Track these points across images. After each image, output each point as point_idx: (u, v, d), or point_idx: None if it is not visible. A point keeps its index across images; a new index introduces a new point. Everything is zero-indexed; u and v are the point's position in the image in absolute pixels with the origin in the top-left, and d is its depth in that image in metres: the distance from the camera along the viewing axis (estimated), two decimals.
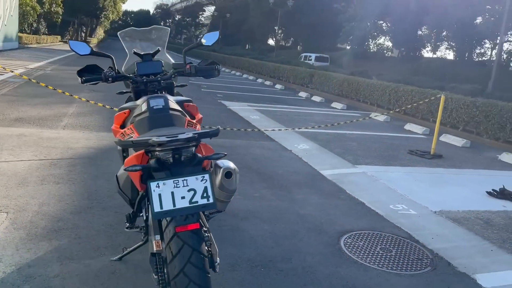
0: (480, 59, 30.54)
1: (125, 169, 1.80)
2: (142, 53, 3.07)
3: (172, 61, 3.25)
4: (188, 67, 2.94)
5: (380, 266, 3.10)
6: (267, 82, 20.75)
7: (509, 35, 26.42)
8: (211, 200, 1.75)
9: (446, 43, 31.87)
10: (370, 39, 37.99)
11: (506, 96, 12.99)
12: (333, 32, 39.03)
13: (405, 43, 32.73)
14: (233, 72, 27.16)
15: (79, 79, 2.84)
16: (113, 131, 3.01)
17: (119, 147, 3.09)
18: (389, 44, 38.44)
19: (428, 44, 33.28)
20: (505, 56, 26.13)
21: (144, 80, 2.93)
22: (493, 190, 5.09)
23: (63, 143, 5.44)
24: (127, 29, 3.27)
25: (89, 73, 2.99)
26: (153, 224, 1.96)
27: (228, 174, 1.83)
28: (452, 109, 9.94)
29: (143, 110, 2.64)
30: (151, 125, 2.54)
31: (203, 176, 1.76)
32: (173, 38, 74.77)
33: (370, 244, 3.44)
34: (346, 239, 3.48)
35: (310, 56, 32.39)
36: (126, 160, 2.06)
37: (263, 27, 46.55)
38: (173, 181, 1.72)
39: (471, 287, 2.94)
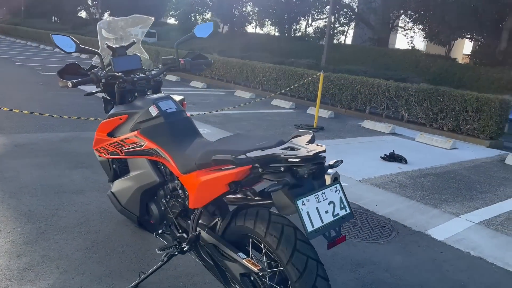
0: (296, 34, 33.91)
1: (271, 190, 1.59)
2: (115, 46, 2.65)
3: (147, 55, 2.87)
4: (182, 62, 2.67)
5: (361, 239, 3.42)
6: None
7: (320, 14, 29.99)
8: (348, 210, 1.72)
9: (268, 20, 34.30)
10: (196, 14, 38.28)
11: (338, 69, 14.94)
12: (156, 6, 38.06)
13: (231, 18, 34.09)
14: (41, 46, 24.88)
15: (66, 82, 2.31)
16: (96, 140, 2.57)
17: (100, 159, 2.67)
18: (216, 19, 39.42)
19: (253, 20, 35.31)
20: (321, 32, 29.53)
21: (134, 79, 2.54)
22: (385, 155, 5.96)
23: None
24: (107, 18, 2.74)
25: (72, 74, 2.46)
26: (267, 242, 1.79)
27: (336, 179, 1.80)
28: (309, 83, 10.98)
29: (153, 115, 2.34)
30: (170, 131, 2.29)
31: (336, 187, 1.70)
32: None
33: None
34: None
35: None
36: (222, 175, 1.80)
37: None
38: (314, 196, 1.62)
39: (432, 242, 3.50)
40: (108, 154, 2.57)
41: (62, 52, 2.47)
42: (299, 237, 1.78)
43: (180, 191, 2.31)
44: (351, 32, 34.61)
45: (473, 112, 8.01)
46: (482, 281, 2.94)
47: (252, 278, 1.92)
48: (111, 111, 2.54)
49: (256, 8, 33.53)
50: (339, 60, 21.78)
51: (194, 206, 2.06)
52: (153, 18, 2.73)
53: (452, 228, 3.78)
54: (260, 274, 1.84)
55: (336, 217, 1.66)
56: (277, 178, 1.64)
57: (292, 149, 1.69)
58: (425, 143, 7.48)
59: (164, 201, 2.43)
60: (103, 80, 2.44)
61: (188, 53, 2.81)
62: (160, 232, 2.49)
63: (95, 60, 2.71)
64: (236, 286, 2.00)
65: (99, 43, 2.70)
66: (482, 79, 18.85)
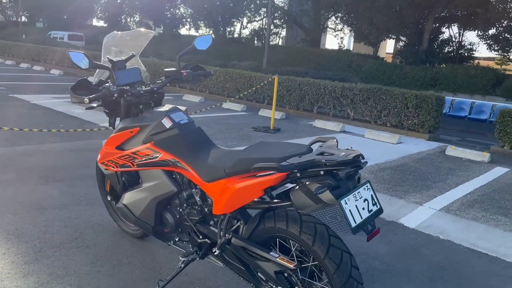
0: (231, 36, 34.19)
1: (319, 192, 1.74)
2: (116, 59, 2.68)
3: (144, 67, 2.91)
4: (184, 73, 2.75)
5: (345, 232, 3.69)
6: (37, 67, 18.19)
7: (256, 16, 30.49)
8: (378, 206, 1.93)
9: (202, 22, 34.23)
10: (126, 17, 37.22)
11: (280, 70, 15.37)
12: (83, 8, 36.51)
13: (163, 21, 33.60)
14: None
15: (83, 98, 2.32)
16: (104, 154, 2.59)
17: (108, 172, 2.68)
18: (148, 22, 38.56)
19: (187, 22, 35.03)
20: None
21: (141, 92, 2.59)
22: None
23: None
24: (112, 32, 2.73)
25: (83, 90, 2.46)
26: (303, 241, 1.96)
27: (359, 179, 1.99)
28: (257, 86, 11.23)
29: (168, 127, 2.43)
30: (186, 141, 2.40)
31: (367, 186, 1.91)
32: None
33: (318, 216, 3.97)
34: None
35: (61, 35, 30.01)
36: (261, 181, 1.93)
37: None
38: (353, 195, 1.81)
39: (406, 230, 3.86)
40: (118, 167, 2.60)
41: (77, 67, 2.46)
42: (331, 233, 1.97)
43: (198, 199, 2.40)
44: (282, 33, 35.54)
45: (413, 108, 8.71)
46: (456, 261, 3.33)
47: (286, 274, 2.08)
48: (121, 125, 2.56)
49: (190, 10, 33.31)
50: (277, 61, 22.36)
51: (223, 212, 2.17)
52: (154, 32, 2.78)
53: (419, 216, 4.18)
54: (294, 270, 2.01)
55: (370, 213, 1.88)
56: (316, 182, 1.82)
57: (328, 154, 1.88)
58: (373, 139, 8.03)
59: (179, 210, 2.50)
60: (115, 95, 2.46)
61: (186, 64, 2.89)
62: (177, 240, 2.57)
63: (99, 75, 2.72)
64: (269, 283, 2.14)
65: (102, 57, 2.71)
66: (408, 76, 20.29)
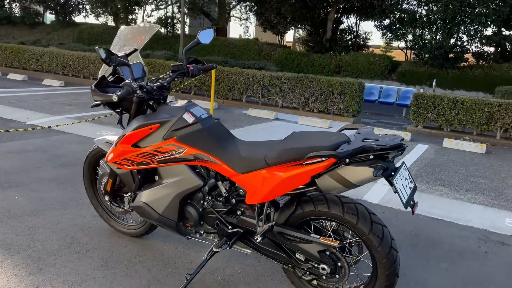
0: (133, 24, 32.81)
1: (377, 174, 1.91)
2: (120, 54, 2.63)
3: (143, 62, 2.84)
4: (191, 68, 2.76)
5: None
6: None
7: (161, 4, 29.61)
8: (414, 183, 2.18)
9: (101, 9, 32.28)
10: (11, 1, 33.68)
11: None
12: None
13: (55, 7, 31.13)
14: None
15: (110, 96, 2.25)
16: (119, 152, 2.53)
17: (121, 171, 2.63)
18: (37, 7, 35.24)
19: (83, 9, 32.77)
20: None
21: (154, 87, 2.57)
22: None
23: None
24: (121, 27, 2.60)
25: (104, 87, 2.37)
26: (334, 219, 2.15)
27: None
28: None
29: (190, 122, 2.47)
30: (211, 135, 2.47)
31: (404, 166, 2.14)
32: None
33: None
34: None
35: None
36: (311, 169, 2.06)
37: None
38: (399, 175, 2.04)
39: (372, 206, 4.26)
40: (135, 165, 2.54)
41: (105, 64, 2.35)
42: (370, 211, 2.20)
43: (225, 191, 2.47)
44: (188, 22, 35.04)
45: (338, 94, 9.36)
46: (423, 228, 3.80)
47: (328, 253, 2.26)
48: (137, 122, 2.49)
49: None
50: (193, 51, 22.04)
51: (262, 201, 2.27)
52: (159, 26, 2.73)
53: (378, 192, 4.64)
54: (338, 247, 2.21)
55: (411, 189, 2.13)
56: (367, 165, 2.02)
57: (371, 139, 2.08)
58: (306, 125, 8.49)
59: (202, 203, 2.54)
60: (138, 92, 2.40)
61: (187, 58, 2.88)
62: (202, 232, 2.60)
63: (104, 71, 2.60)
64: (310, 263, 2.31)
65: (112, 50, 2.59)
66: (315, 64, 21.46)
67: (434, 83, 12.97)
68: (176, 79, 2.79)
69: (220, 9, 29.44)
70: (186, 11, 27.50)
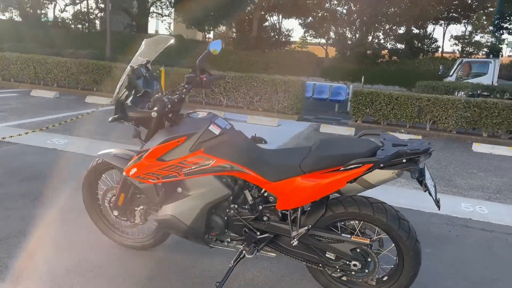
0: (46, 19, 30.61)
1: (414, 177, 2.10)
2: (136, 65, 2.60)
3: (153, 74, 2.80)
4: (204, 79, 2.78)
5: None
6: None
7: None
8: (434, 182, 2.43)
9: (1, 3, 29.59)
10: None
11: (121, 58, 14.77)
12: None
13: None
14: None
15: (150, 112, 2.26)
16: (143, 167, 2.50)
17: (144, 186, 2.60)
18: None
19: None
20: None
21: (175, 100, 2.58)
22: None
23: None
24: (145, 40, 2.52)
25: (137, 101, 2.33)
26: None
27: None
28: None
29: (217, 133, 2.52)
30: (237, 145, 2.56)
31: (426, 167, 2.38)
32: None
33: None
34: None
35: None
36: (350, 174, 2.21)
37: None
38: (426, 176, 2.27)
39: None
40: (160, 179, 2.51)
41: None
42: (395, 209, 2.43)
43: (251, 198, 2.55)
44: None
45: (282, 93, 9.66)
46: None
47: (359, 250, 2.45)
48: (163, 136, 2.47)
49: None
50: (116, 49, 21.14)
51: (295, 206, 2.40)
52: (173, 37, 2.71)
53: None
54: (370, 244, 2.40)
55: (435, 187, 2.39)
56: (400, 169, 2.23)
57: (400, 145, 2.30)
58: (256, 124, 8.68)
59: (228, 212, 2.60)
60: (169, 105, 2.38)
61: (193, 69, 2.88)
62: (226, 240, 2.65)
63: (120, 83, 2.54)
64: (342, 261, 2.47)
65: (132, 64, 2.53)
66: (243, 61, 21.78)
67: (362, 80, 13.86)
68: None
69: (140, 5, 28.55)
70: (110, 8, 26.28)
